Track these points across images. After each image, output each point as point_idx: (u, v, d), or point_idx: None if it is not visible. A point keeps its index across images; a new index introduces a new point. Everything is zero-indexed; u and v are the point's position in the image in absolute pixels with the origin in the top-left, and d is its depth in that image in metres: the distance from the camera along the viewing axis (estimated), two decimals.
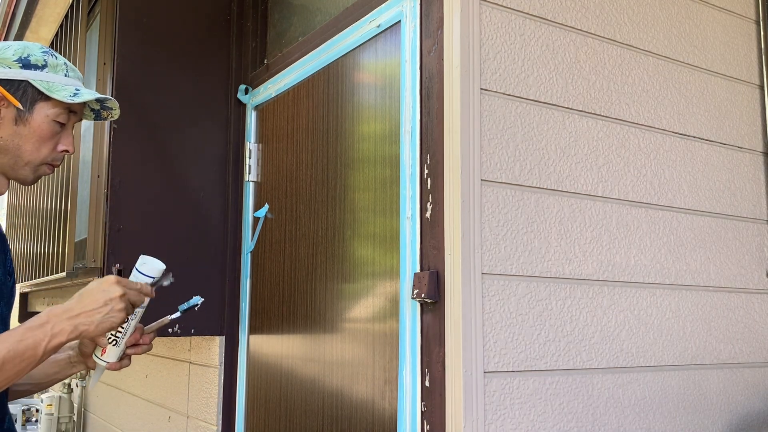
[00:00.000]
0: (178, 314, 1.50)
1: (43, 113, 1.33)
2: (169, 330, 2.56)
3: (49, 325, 1.19)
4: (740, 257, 2.25)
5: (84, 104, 1.42)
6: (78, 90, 1.35)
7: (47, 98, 1.33)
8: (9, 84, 1.30)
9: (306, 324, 2.29)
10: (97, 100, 1.40)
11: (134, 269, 1.38)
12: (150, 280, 1.37)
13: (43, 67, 1.33)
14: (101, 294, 1.25)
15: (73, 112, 1.38)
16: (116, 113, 1.45)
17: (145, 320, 1.45)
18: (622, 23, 2.06)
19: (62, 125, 1.36)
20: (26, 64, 1.31)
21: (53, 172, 1.41)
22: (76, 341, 1.44)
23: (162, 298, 1.50)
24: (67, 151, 1.38)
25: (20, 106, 1.31)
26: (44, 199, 3.58)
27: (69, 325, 1.21)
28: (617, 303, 1.92)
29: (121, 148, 2.54)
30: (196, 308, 1.49)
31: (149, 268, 1.39)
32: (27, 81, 1.31)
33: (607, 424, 1.84)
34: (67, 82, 1.35)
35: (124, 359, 1.43)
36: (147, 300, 1.37)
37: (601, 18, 2.02)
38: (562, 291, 1.82)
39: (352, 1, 2.23)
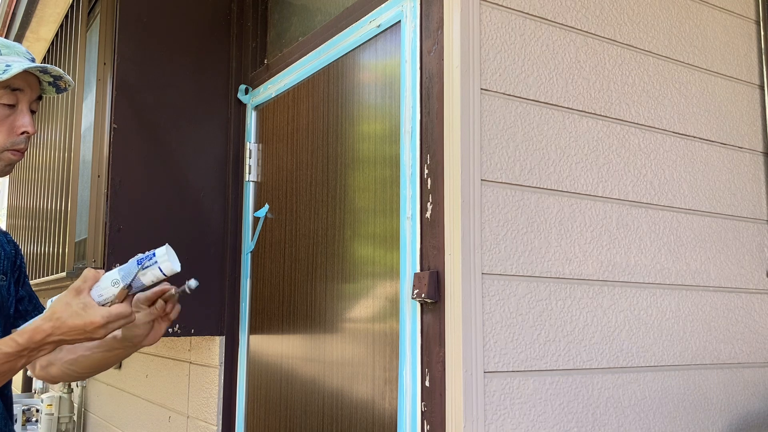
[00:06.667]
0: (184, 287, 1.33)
1: None
2: (169, 330, 2.56)
3: (23, 356, 1.18)
4: (740, 257, 2.25)
5: (38, 80, 1.32)
6: (9, 66, 1.23)
7: None
8: None
9: (306, 324, 2.29)
10: (44, 71, 1.29)
11: (156, 264, 1.23)
12: (163, 277, 1.24)
13: None
14: (79, 318, 1.18)
15: (19, 90, 1.27)
16: (67, 79, 1.33)
17: None
18: (622, 23, 2.06)
19: (11, 107, 1.26)
20: None
21: (22, 157, 1.31)
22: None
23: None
24: (26, 132, 1.28)
25: None
26: (44, 200, 3.58)
27: (44, 351, 1.19)
28: (617, 303, 1.92)
29: (121, 148, 2.54)
30: (188, 291, 1.32)
31: (168, 266, 1.23)
32: None
33: (607, 424, 1.84)
34: None
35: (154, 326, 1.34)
36: (156, 279, 1.25)
37: (601, 18, 2.02)
38: (562, 291, 1.82)
39: (352, 1, 2.23)
